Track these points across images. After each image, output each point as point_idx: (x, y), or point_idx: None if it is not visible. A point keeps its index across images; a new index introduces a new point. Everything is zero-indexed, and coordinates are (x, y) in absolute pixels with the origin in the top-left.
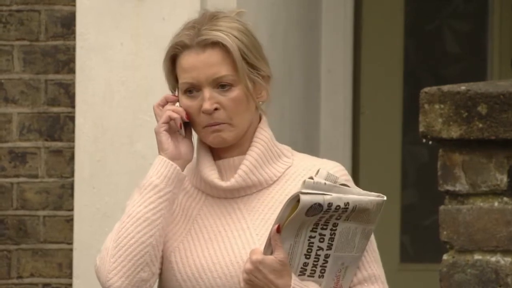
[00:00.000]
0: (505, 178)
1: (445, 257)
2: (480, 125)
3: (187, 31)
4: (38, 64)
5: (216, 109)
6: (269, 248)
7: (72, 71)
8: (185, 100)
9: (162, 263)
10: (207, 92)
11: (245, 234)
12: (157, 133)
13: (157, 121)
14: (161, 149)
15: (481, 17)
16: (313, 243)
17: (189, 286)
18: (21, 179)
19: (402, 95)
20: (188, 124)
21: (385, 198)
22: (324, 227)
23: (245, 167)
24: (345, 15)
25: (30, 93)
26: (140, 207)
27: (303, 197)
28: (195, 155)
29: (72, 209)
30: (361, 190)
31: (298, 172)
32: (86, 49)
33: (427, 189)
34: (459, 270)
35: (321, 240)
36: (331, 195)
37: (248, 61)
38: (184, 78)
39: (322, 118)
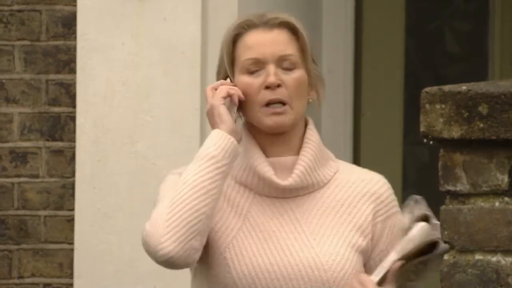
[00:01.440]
0: (506, 178)
1: (446, 257)
2: (481, 125)
3: (252, 16)
4: (39, 64)
5: (279, 85)
6: (385, 280)
7: (73, 71)
8: (245, 79)
9: (212, 256)
10: (271, 68)
11: (301, 237)
12: (214, 107)
13: (209, 100)
14: (220, 122)
15: (482, 17)
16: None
17: (245, 285)
18: (22, 179)
19: (403, 95)
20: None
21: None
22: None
23: (302, 167)
24: (346, 15)
25: (31, 93)
26: (197, 175)
27: (443, 245)
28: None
29: (73, 209)
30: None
31: (348, 178)
32: (87, 49)
33: (428, 189)
34: (460, 270)
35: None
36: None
37: (310, 52)
38: (249, 54)
39: (322, 118)
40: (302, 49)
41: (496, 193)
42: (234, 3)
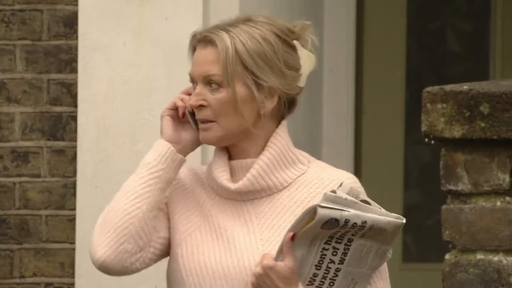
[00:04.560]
0: (507, 178)
1: (447, 256)
2: (483, 125)
3: (211, 26)
4: (41, 64)
5: (202, 105)
6: (280, 254)
7: (74, 70)
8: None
9: (171, 252)
10: (198, 88)
11: (249, 238)
12: (160, 117)
13: None
14: (161, 133)
15: (484, 17)
16: (325, 255)
17: (191, 282)
18: (24, 179)
19: (405, 95)
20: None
21: (404, 220)
22: (339, 241)
23: (255, 170)
24: (348, 14)
25: (32, 93)
26: (131, 182)
27: (320, 211)
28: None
29: (74, 209)
30: (382, 209)
31: (310, 180)
32: (89, 48)
33: (429, 189)
34: (461, 270)
35: (334, 253)
36: (349, 211)
37: (247, 67)
38: (190, 70)
39: (324, 117)
40: (226, 69)
41: (497, 192)
42: (235, 2)
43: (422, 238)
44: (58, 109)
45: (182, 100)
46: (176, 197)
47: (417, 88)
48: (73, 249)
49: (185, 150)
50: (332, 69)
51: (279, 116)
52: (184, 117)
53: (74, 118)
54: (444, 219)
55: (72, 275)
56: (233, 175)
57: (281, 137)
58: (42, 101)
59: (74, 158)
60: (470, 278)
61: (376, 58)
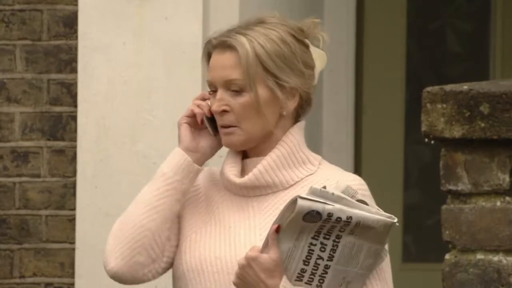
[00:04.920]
0: (507, 178)
1: (447, 256)
2: (483, 125)
3: (224, 30)
4: (41, 64)
5: (225, 111)
6: (266, 247)
7: (74, 70)
8: (211, 98)
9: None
10: (219, 94)
11: (250, 234)
12: (178, 125)
13: None
14: (179, 141)
15: (484, 17)
16: (313, 250)
17: (191, 277)
18: (24, 179)
19: (405, 95)
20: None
21: (395, 220)
22: (327, 237)
23: (261, 166)
24: (348, 14)
25: (32, 93)
26: (146, 193)
27: (300, 202)
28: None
29: (74, 209)
30: (376, 208)
31: (316, 180)
32: (89, 48)
33: (429, 189)
34: (461, 270)
35: (322, 249)
36: (333, 205)
37: (268, 69)
38: (208, 76)
39: (324, 117)
40: (248, 73)
41: (497, 192)
42: (235, 3)
43: (422, 238)
44: (58, 109)
45: (198, 106)
46: (187, 202)
47: (417, 88)
48: (73, 249)
49: (202, 158)
50: (332, 69)
51: (296, 116)
52: (203, 124)
53: (74, 118)
54: (444, 219)
55: (72, 275)
56: (244, 173)
57: (293, 137)
58: (42, 101)
59: (74, 158)
60: (470, 278)
61: (376, 58)
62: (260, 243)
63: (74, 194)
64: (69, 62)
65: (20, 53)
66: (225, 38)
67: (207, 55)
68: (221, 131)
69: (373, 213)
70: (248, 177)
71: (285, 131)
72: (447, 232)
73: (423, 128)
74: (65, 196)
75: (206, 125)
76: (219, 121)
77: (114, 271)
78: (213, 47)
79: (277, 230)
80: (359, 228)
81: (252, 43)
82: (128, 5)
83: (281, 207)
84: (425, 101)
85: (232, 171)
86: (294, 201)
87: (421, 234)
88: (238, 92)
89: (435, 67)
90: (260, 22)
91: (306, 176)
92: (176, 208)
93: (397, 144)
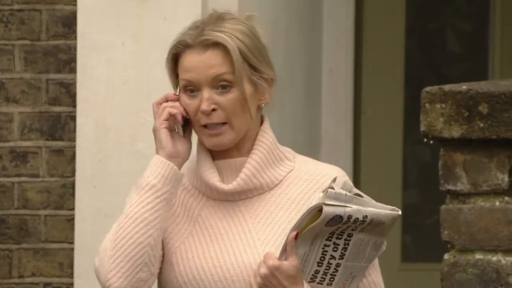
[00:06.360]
0: (506, 178)
1: (446, 256)
2: (482, 125)
3: (191, 30)
4: (39, 64)
5: (214, 109)
6: (284, 254)
7: (73, 70)
8: (185, 99)
9: (162, 263)
10: (206, 93)
11: (246, 238)
12: (156, 130)
13: (155, 119)
14: (159, 147)
15: (483, 17)
16: (326, 251)
17: None
18: (22, 179)
19: (404, 95)
20: (187, 123)
21: (399, 212)
22: (339, 236)
23: (248, 170)
24: (347, 14)
25: (31, 93)
26: (138, 207)
27: (326, 209)
28: (193, 153)
29: (73, 209)
30: (376, 202)
31: (300, 176)
32: (88, 48)
33: (428, 189)
34: (460, 270)
35: (335, 249)
36: (351, 207)
37: (250, 63)
38: (185, 76)
39: (323, 117)
40: (239, 67)
41: (496, 192)
42: (234, 3)
43: (421, 238)
44: (57, 109)
45: (173, 107)
46: None
47: (416, 88)
48: (72, 249)
49: (182, 163)
50: (332, 69)
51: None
52: (184, 124)
53: (73, 118)
54: (443, 219)
55: (71, 275)
56: (220, 175)
57: (268, 135)
58: (41, 101)
59: (73, 158)
60: (469, 278)
61: (375, 58)
62: (260, 248)
63: (73, 194)
64: (68, 62)
65: (19, 53)
66: (205, 36)
67: (174, 57)
68: (205, 132)
69: (380, 207)
70: (237, 183)
71: (256, 125)
72: (446, 232)
73: (422, 128)
74: (64, 196)
75: (178, 126)
76: (207, 120)
77: None
78: (187, 47)
79: (296, 237)
80: (371, 225)
81: (233, 38)
82: (127, 5)
83: (271, 208)
84: (424, 101)
85: (214, 177)
86: (316, 208)
87: (420, 234)
88: (226, 88)
89: (435, 67)
90: (221, 18)
91: (287, 173)
92: (168, 219)
93: (396, 144)
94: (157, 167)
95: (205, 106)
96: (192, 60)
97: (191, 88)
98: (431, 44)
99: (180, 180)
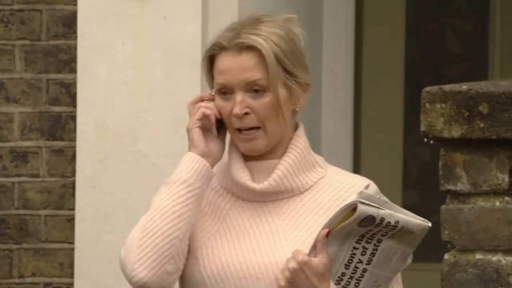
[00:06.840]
0: (506, 178)
1: (446, 256)
2: (482, 125)
3: (228, 32)
4: (40, 64)
5: (246, 113)
6: (313, 251)
7: (73, 70)
8: (219, 101)
9: (186, 259)
10: (239, 96)
11: (273, 238)
12: (189, 129)
13: (190, 118)
14: (192, 146)
15: (483, 17)
16: (355, 254)
17: (213, 283)
18: (23, 179)
19: (404, 95)
20: (222, 124)
21: (430, 224)
22: (369, 241)
23: (280, 171)
24: (347, 14)
25: (31, 93)
26: (169, 200)
27: (361, 207)
28: (225, 155)
29: (73, 209)
30: (408, 211)
31: (331, 183)
32: (88, 48)
33: (428, 189)
34: (460, 270)
35: (363, 253)
36: (384, 210)
37: (285, 68)
38: (219, 79)
39: (323, 117)
40: (273, 72)
41: (496, 192)
42: (234, 3)
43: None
44: (57, 109)
45: (207, 108)
46: None
47: (416, 88)
48: (72, 249)
49: (214, 162)
50: (332, 69)
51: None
52: (216, 124)
53: (73, 118)
54: (443, 219)
55: (71, 275)
56: (252, 176)
57: (302, 139)
58: (41, 101)
59: (73, 158)
60: (469, 278)
61: (375, 58)
62: (286, 249)
63: (73, 194)
64: (68, 62)
65: (19, 53)
66: (240, 39)
67: (210, 58)
68: (240, 136)
69: (411, 217)
70: (269, 183)
71: (290, 130)
72: (446, 232)
73: (422, 128)
74: (64, 196)
75: (213, 127)
76: (240, 124)
77: (144, 281)
78: (223, 49)
79: (327, 234)
80: (401, 232)
81: (268, 42)
82: (127, 5)
83: (301, 211)
84: (424, 101)
85: (245, 176)
86: (351, 206)
87: None
88: (259, 92)
89: (435, 67)
90: (259, 21)
91: (318, 179)
92: (197, 216)
93: (396, 144)
94: (190, 163)
95: (237, 110)
96: (226, 63)
97: (225, 91)
98: (431, 44)
99: (211, 178)
